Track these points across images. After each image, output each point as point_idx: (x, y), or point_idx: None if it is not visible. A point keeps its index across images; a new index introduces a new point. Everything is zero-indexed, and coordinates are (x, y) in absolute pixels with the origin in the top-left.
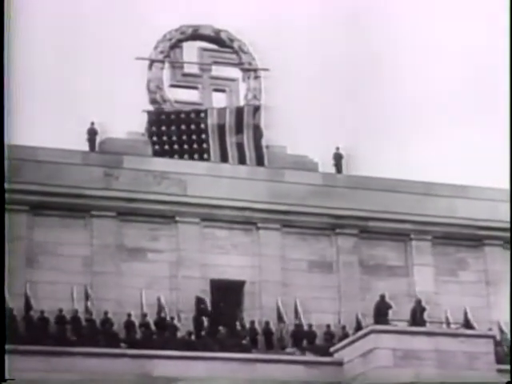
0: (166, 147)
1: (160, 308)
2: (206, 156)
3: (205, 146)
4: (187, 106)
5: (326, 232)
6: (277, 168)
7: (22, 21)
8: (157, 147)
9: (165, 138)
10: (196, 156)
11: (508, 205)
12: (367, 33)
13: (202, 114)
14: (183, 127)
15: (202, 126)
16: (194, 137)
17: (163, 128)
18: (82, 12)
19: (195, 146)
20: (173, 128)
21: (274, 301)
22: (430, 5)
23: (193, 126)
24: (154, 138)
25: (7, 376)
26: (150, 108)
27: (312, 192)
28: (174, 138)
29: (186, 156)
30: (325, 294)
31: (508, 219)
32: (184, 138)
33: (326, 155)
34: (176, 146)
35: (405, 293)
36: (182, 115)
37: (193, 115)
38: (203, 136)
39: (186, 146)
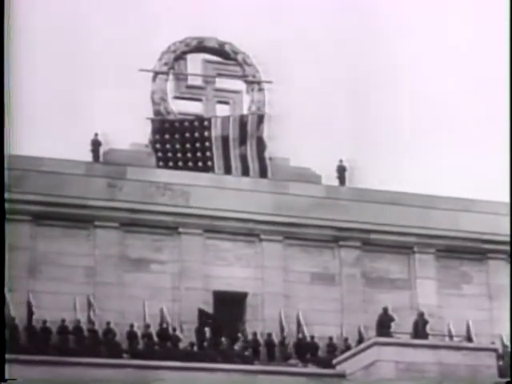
0: (170, 155)
1: (162, 319)
2: (209, 164)
3: (208, 154)
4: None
5: (329, 244)
6: (280, 180)
7: (24, 30)
8: (160, 155)
9: (168, 147)
10: (200, 164)
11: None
12: (371, 46)
13: (206, 123)
14: (187, 135)
15: (206, 134)
16: (197, 145)
17: (167, 136)
18: (87, 22)
19: (199, 154)
20: (176, 136)
21: (276, 313)
22: (433, 19)
23: (196, 134)
24: (158, 146)
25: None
26: (153, 125)
27: (315, 204)
28: (178, 147)
29: (189, 164)
30: (327, 306)
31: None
32: (187, 146)
33: (329, 167)
34: (179, 155)
35: (407, 305)
36: (186, 123)
37: (196, 123)
38: (207, 144)
39: (189, 155)
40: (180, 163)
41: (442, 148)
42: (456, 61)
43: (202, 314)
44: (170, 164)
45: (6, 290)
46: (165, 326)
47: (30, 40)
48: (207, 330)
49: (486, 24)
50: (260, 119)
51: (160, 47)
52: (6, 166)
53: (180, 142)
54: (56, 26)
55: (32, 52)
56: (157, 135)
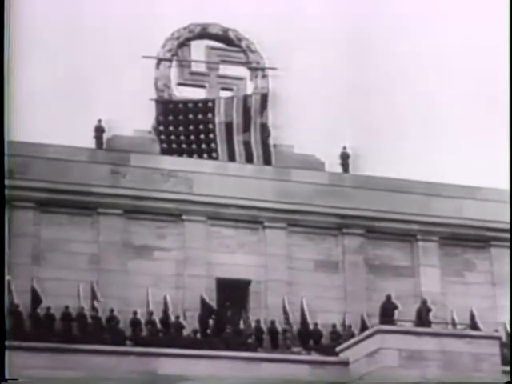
0: (173, 140)
1: (166, 306)
2: (213, 146)
3: (211, 136)
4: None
5: (333, 232)
6: (283, 167)
7: (26, 15)
8: (163, 137)
9: (171, 128)
10: (204, 150)
11: None
12: (376, 34)
13: (210, 104)
14: (191, 117)
15: (210, 115)
16: (201, 130)
17: (170, 117)
18: (90, 8)
19: (203, 140)
20: (180, 117)
21: (279, 300)
22: (438, 14)
23: (200, 116)
24: (161, 128)
25: (11, 373)
26: (157, 107)
27: (318, 191)
28: (181, 128)
29: (193, 146)
30: (330, 293)
31: None
32: (191, 128)
33: (333, 154)
34: (183, 137)
35: (411, 293)
36: (190, 105)
37: (200, 105)
38: (210, 126)
39: (192, 137)
40: (184, 149)
41: (444, 135)
42: (459, 51)
43: (204, 306)
44: (174, 149)
45: (9, 277)
46: (168, 313)
47: (33, 26)
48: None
49: (488, 22)
50: (264, 99)
51: (163, 34)
52: (6, 152)
53: (184, 124)
54: (59, 12)
55: (35, 38)
56: (161, 120)
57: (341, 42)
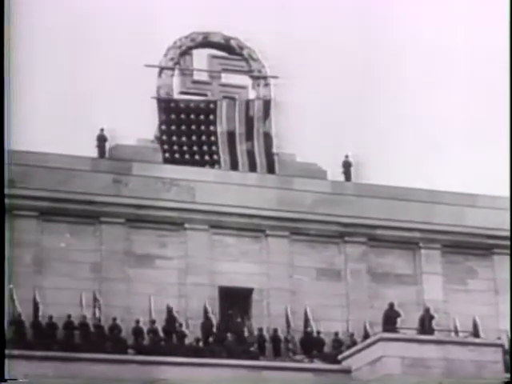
0: (175, 138)
1: (168, 315)
2: (214, 148)
3: (213, 138)
4: (197, 111)
5: (335, 240)
6: (286, 176)
7: (27, 23)
8: (165, 137)
9: (173, 128)
10: (205, 148)
11: None
12: (379, 41)
13: (212, 105)
14: (192, 117)
15: (211, 117)
16: (202, 127)
17: (172, 116)
18: (92, 17)
19: (204, 138)
20: (182, 116)
21: (282, 308)
22: (438, 23)
23: (202, 117)
24: (163, 127)
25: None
26: (159, 106)
27: (321, 200)
28: (183, 128)
29: (195, 148)
30: (333, 301)
31: None
32: (193, 127)
33: (335, 163)
34: (184, 139)
35: (413, 301)
36: (192, 105)
37: (202, 105)
38: (211, 128)
39: (194, 138)
40: (185, 151)
41: (446, 143)
42: (458, 58)
43: (207, 316)
44: (177, 157)
45: (11, 285)
46: (170, 321)
47: (34, 34)
48: (213, 325)
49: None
50: (266, 107)
51: (166, 42)
52: (9, 161)
53: (186, 123)
54: (60, 20)
55: (36, 46)
56: (162, 120)
57: (343, 51)
